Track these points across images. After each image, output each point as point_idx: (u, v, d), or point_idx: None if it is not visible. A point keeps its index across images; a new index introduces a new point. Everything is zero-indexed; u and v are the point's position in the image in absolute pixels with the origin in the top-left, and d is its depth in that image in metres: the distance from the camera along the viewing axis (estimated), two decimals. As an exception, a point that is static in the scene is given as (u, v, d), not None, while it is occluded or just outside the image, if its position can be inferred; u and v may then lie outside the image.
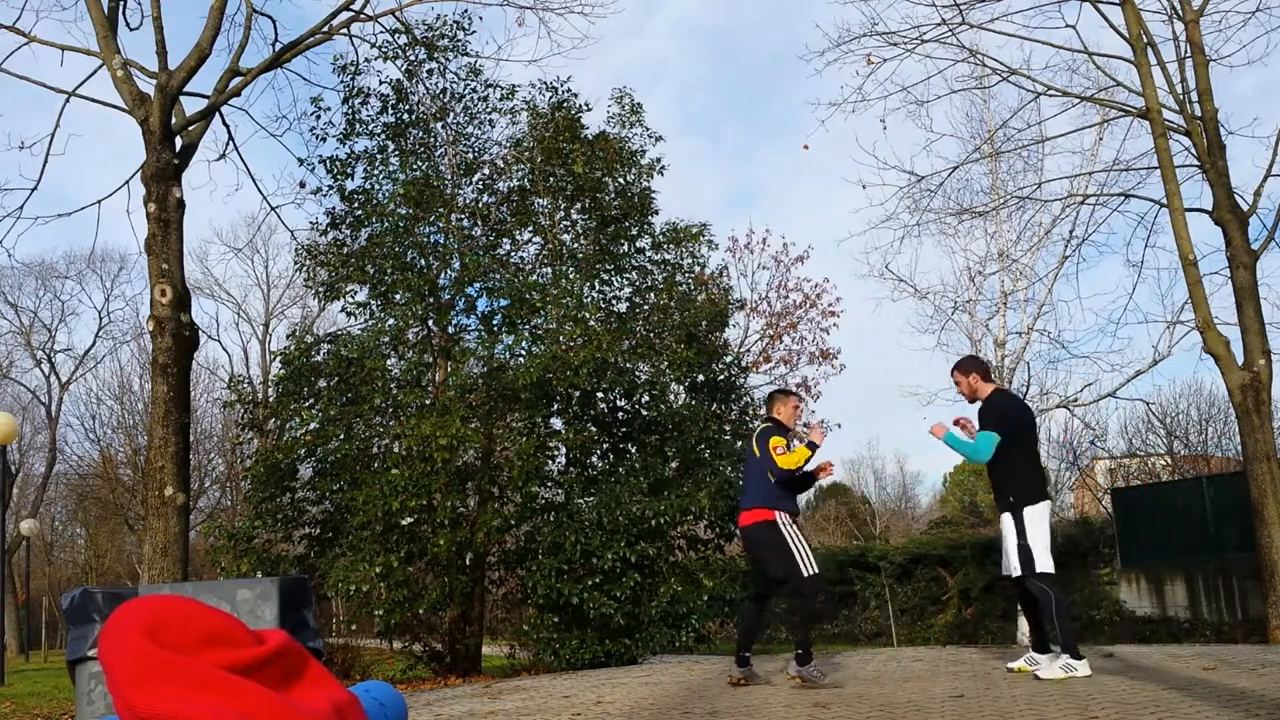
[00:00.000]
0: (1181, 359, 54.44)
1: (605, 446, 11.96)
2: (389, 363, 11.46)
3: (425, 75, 12.13)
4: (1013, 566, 5.74)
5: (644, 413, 11.84)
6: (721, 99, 70.46)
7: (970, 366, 6.21)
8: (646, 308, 12.64)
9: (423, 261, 11.95)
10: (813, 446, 5.94)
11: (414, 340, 11.85)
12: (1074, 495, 27.75)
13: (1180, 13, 11.89)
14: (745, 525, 6.13)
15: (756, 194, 68.36)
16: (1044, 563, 5.64)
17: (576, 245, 12.76)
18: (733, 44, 65.09)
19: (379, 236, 11.79)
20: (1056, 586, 5.62)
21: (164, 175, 9.09)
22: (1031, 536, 5.68)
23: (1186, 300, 11.77)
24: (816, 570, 5.87)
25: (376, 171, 12.23)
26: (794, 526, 5.94)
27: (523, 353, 11.25)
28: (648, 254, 13.06)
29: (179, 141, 9.46)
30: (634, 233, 12.92)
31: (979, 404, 6.08)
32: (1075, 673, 5.43)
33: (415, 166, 12.22)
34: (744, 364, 15.45)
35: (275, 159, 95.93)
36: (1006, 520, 5.83)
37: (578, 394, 11.03)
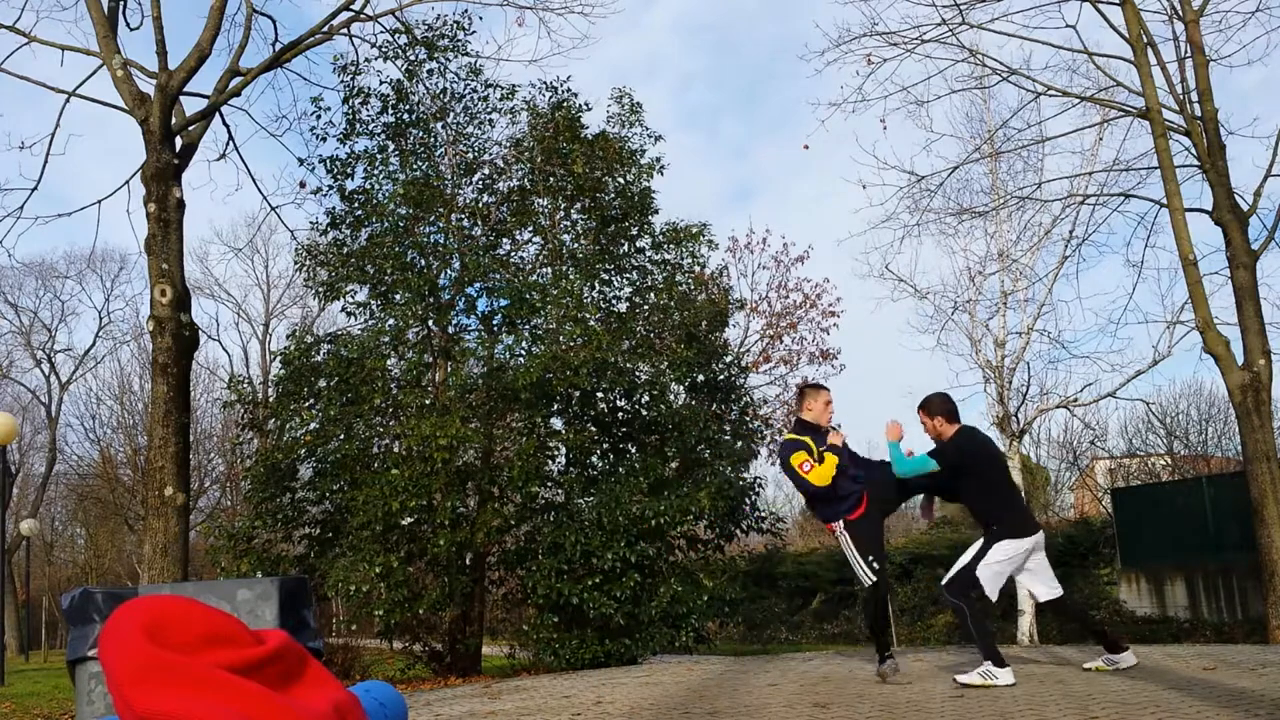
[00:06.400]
0: (1181, 359, 54.39)
1: (605, 446, 11.96)
2: (389, 363, 11.46)
3: (425, 75, 12.14)
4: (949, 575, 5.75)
5: (644, 413, 11.84)
6: (720, 93, 70.53)
7: (937, 407, 5.90)
8: (646, 308, 12.64)
9: (423, 261, 11.94)
10: (834, 450, 5.85)
11: (414, 340, 11.84)
12: (1074, 495, 27.74)
13: (1180, 13, 11.89)
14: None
15: (756, 191, 68.40)
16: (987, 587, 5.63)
17: (576, 245, 12.76)
18: (731, 37, 65.10)
19: (379, 236, 11.79)
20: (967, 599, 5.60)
21: (164, 175, 9.09)
22: (985, 563, 5.62)
23: (1186, 300, 11.78)
24: (876, 575, 5.82)
25: (376, 171, 12.23)
26: (848, 533, 5.86)
27: (523, 353, 11.25)
28: (648, 254, 13.06)
29: (179, 141, 9.46)
30: (634, 232, 12.92)
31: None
32: (995, 680, 5.33)
33: (415, 166, 12.22)
34: (744, 364, 15.47)
35: (275, 159, 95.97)
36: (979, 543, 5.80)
37: (578, 394, 11.03)
